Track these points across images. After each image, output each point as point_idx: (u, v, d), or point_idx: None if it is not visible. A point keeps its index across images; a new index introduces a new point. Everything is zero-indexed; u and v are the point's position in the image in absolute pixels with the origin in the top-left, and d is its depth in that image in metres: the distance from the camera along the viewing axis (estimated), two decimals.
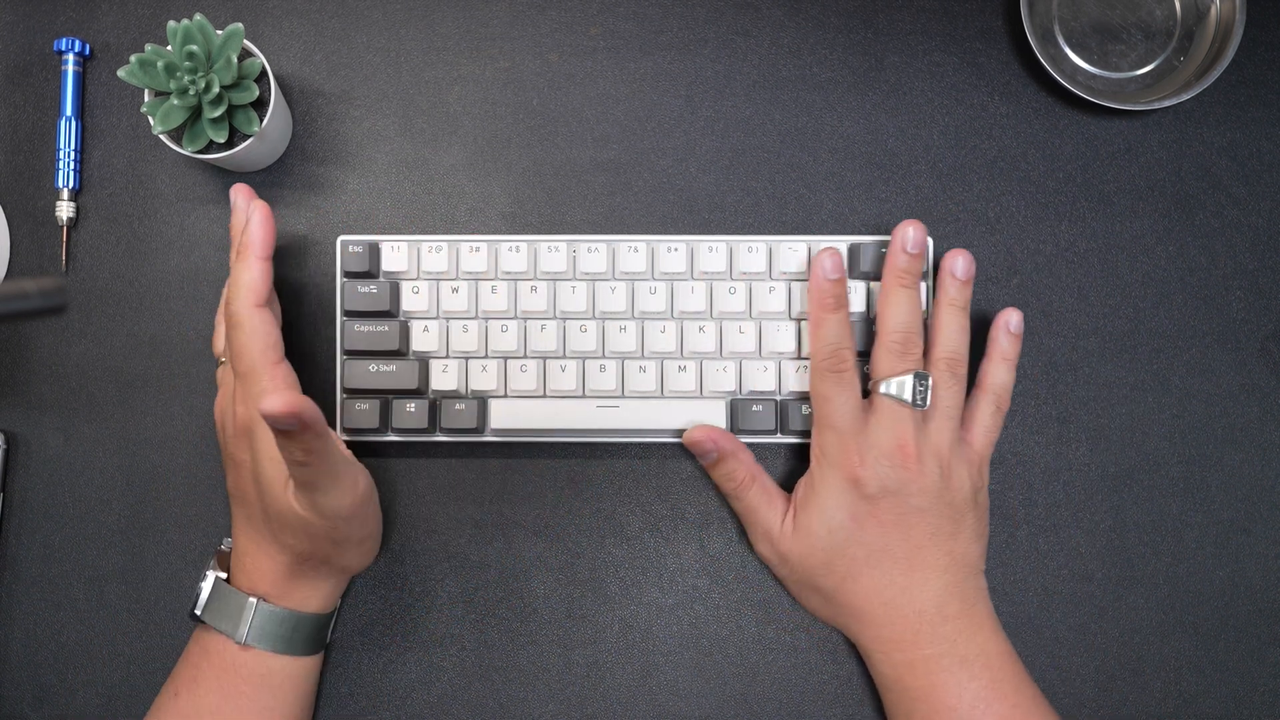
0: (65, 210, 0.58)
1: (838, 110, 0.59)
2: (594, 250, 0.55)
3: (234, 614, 0.50)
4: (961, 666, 0.49)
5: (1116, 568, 0.57)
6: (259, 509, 0.48)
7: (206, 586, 0.51)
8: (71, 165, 0.58)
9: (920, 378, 0.50)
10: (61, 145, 0.58)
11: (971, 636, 0.50)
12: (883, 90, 0.60)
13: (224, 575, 0.51)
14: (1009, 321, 0.53)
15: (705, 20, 0.60)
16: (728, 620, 0.57)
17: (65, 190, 0.58)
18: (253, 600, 0.49)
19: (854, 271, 0.55)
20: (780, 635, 0.57)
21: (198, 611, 0.50)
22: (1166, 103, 0.57)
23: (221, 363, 0.53)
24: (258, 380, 0.47)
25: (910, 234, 0.52)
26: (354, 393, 0.55)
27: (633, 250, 0.55)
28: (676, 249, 0.55)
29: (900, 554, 0.50)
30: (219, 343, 0.54)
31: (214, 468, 0.58)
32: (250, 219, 0.48)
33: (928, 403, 0.50)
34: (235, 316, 0.47)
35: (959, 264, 0.52)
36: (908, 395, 0.49)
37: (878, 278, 0.55)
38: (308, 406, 0.41)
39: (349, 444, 0.58)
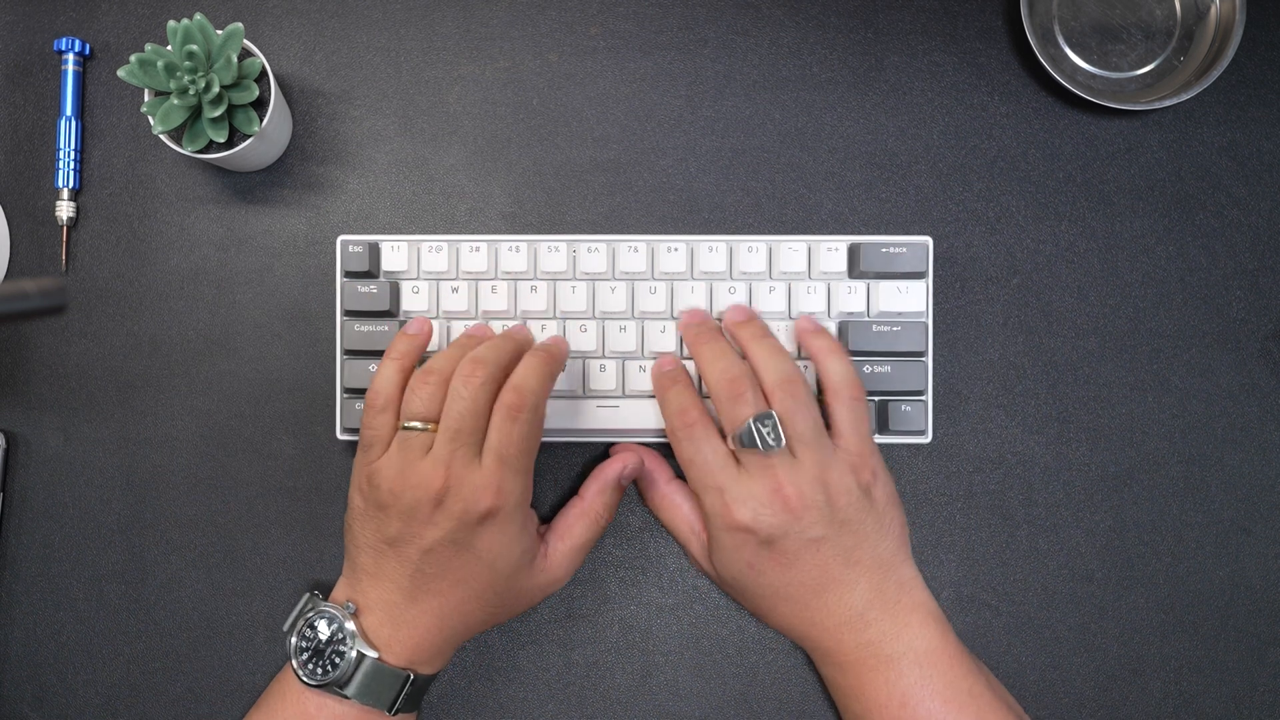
0: (65, 210, 0.58)
1: (838, 110, 0.59)
2: (594, 250, 0.55)
3: (389, 689, 0.48)
4: (887, 665, 0.49)
5: (1116, 568, 0.57)
6: (487, 586, 0.48)
7: (354, 661, 0.47)
8: (71, 165, 0.58)
9: (762, 418, 0.48)
10: (61, 145, 0.58)
11: (897, 635, 0.49)
12: (883, 90, 0.60)
13: (374, 654, 0.48)
14: (804, 326, 0.54)
15: (705, 20, 0.60)
16: (728, 620, 0.57)
17: (65, 190, 0.58)
18: (407, 674, 0.48)
19: (854, 271, 0.55)
20: (780, 635, 0.57)
21: (347, 693, 0.47)
22: (1166, 103, 0.57)
23: (413, 428, 0.48)
24: (525, 478, 0.48)
25: (689, 311, 0.55)
26: (354, 393, 0.55)
27: (633, 250, 0.55)
28: (676, 249, 0.55)
29: (808, 582, 0.49)
30: (424, 405, 0.48)
31: (214, 468, 0.58)
32: (562, 350, 0.52)
33: (781, 440, 0.48)
34: (535, 400, 0.48)
35: (730, 313, 0.54)
36: (758, 441, 0.48)
37: (878, 277, 0.55)
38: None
39: (349, 444, 0.58)
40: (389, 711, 0.48)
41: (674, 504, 0.54)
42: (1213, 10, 0.59)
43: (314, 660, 0.48)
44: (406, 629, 0.48)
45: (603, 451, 0.58)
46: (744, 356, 0.52)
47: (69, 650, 0.57)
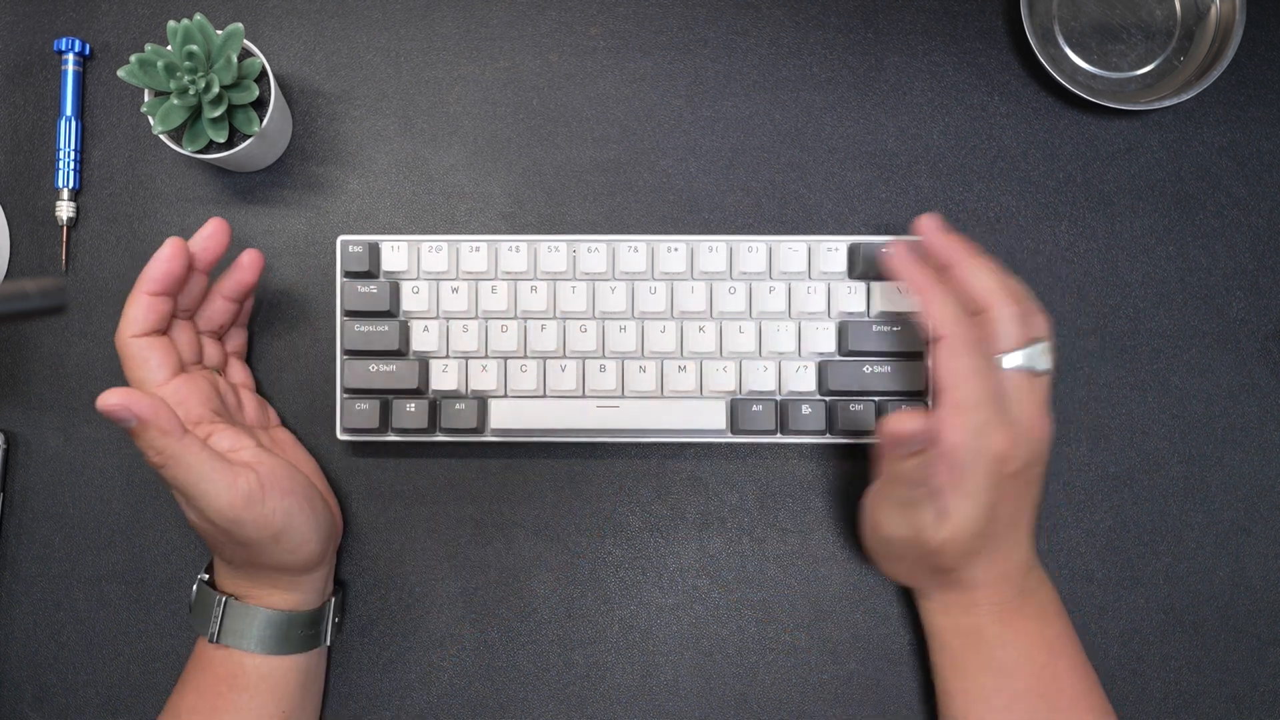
0: (65, 210, 0.58)
1: (838, 110, 0.59)
2: (594, 250, 0.55)
3: (206, 612, 0.51)
4: (1040, 614, 0.51)
5: (1116, 568, 0.57)
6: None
7: (194, 587, 0.53)
8: (71, 165, 0.58)
9: (1043, 344, 0.48)
10: (61, 145, 0.58)
11: (1044, 586, 0.52)
12: (883, 90, 0.60)
13: (206, 577, 0.53)
14: (938, 241, 0.50)
15: (705, 20, 0.60)
16: (728, 620, 0.57)
17: (65, 190, 0.58)
18: (221, 597, 0.51)
19: (854, 271, 0.55)
20: (780, 635, 0.57)
21: (193, 622, 0.52)
22: (1166, 103, 0.57)
23: None
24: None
25: (930, 222, 0.51)
26: (354, 393, 0.55)
27: (633, 250, 0.55)
28: (676, 249, 0.55)
29: (1016, 521, 0.49)
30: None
31: None
32: (158, 254, 0.49)
33: (1052, 368, 0.49)
34: (117, 346, 0.49)
35: (936, 238, 0.51)
36: (1040, 365, 0.48)
37: (878, 278, 0.55)
38: (145, 404, 0.43)
39: (349, 444, 0.58)
40: (212, 640, 0.51)
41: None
42: (1213, 10, 0.59)
43: None
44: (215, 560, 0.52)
45: (592, 451, 0.58)
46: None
47: (69, 650, 0.57)
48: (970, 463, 0.46)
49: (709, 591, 0.57)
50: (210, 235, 0.51)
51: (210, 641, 0.51)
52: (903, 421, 0.46)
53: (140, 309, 0.49)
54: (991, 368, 0.47)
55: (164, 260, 0.49)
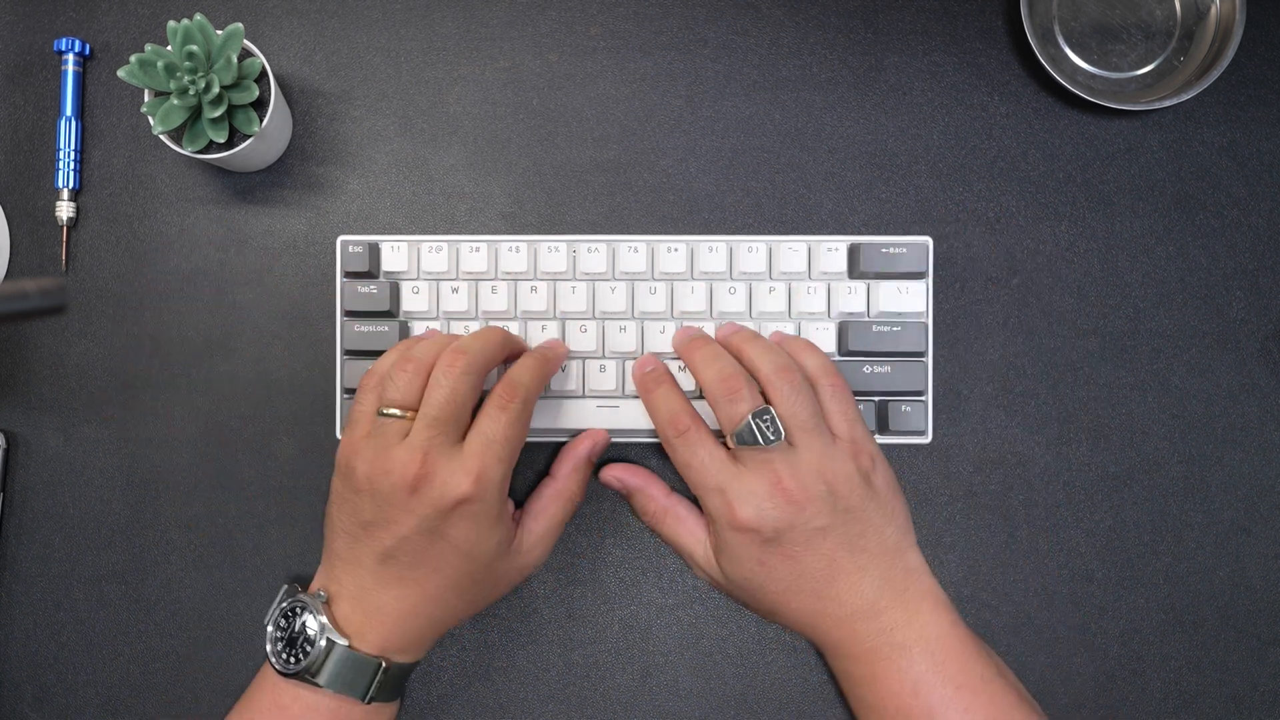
0: (65, 210, 0.58)
1: (838, 110, 0.59)
2: (594, 250, 0.55)
3: (359, 675, 0.48)
4: (900, 653, 0.49)
5: (1116, 568, 0.57)
6: (464, 574, 0.48)
7: (324, 649, 0.47)
8: (71, 165, 0.58)
9: (760, 413, 0.48)
10: (61, 145, 0.58)
11: (908, 623, 0.49)
12: (883, 90, 0.60)
13: (344, 642, 0.48)
14: (752, 335, 0.53)
15: (705, 20, 0.60)
16: (728, 620, 0.57)
17: (65, 190, 0.58)
18: (379, 663, 0.48)
19: (854, 272, 0.55)
20: (780, 635, 0.57)
21: (319, 681, 0.47)
22: (1166, 103, 0.57)
23: (391, 414, 0.48)
24: (500, 465, 0.48)
25: (680, 330, 0.55)
26: (354, 393, 0.55)
27: (633, 250, 0.55)
28: (676, 249, 0.55)
29: (817, 574, 0.49)
30: (400, 392, 0.48)
31: (214, 468, 0.58)
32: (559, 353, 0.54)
33: (780, 433, 0.48)
34: (526, 393, 0.49)
35: (719, 330, 0.55)
36: (759, 437, 0.48)
37: (878, 278, 0.55)
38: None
39: None
40: (363, 700, 0.48)
41: (677, 515, 0.54)
42: (1213, 10, 0.59)
43: (288, 650, 0.48)
44: (378, 617, 0.48)
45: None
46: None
47: (69, 650, 0.57)
48: (718, 537, 0.50)
49: (709, 591, 0.57)
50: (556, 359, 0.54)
51: (363, 701, 0.48)
52: (604, 473, 0.55)
53: (541, 375, 0.51)
54: (705, 454, 0.50)
55: (554, 363, 0.53)
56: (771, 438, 0.48)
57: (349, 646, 0.48)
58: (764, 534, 0.48)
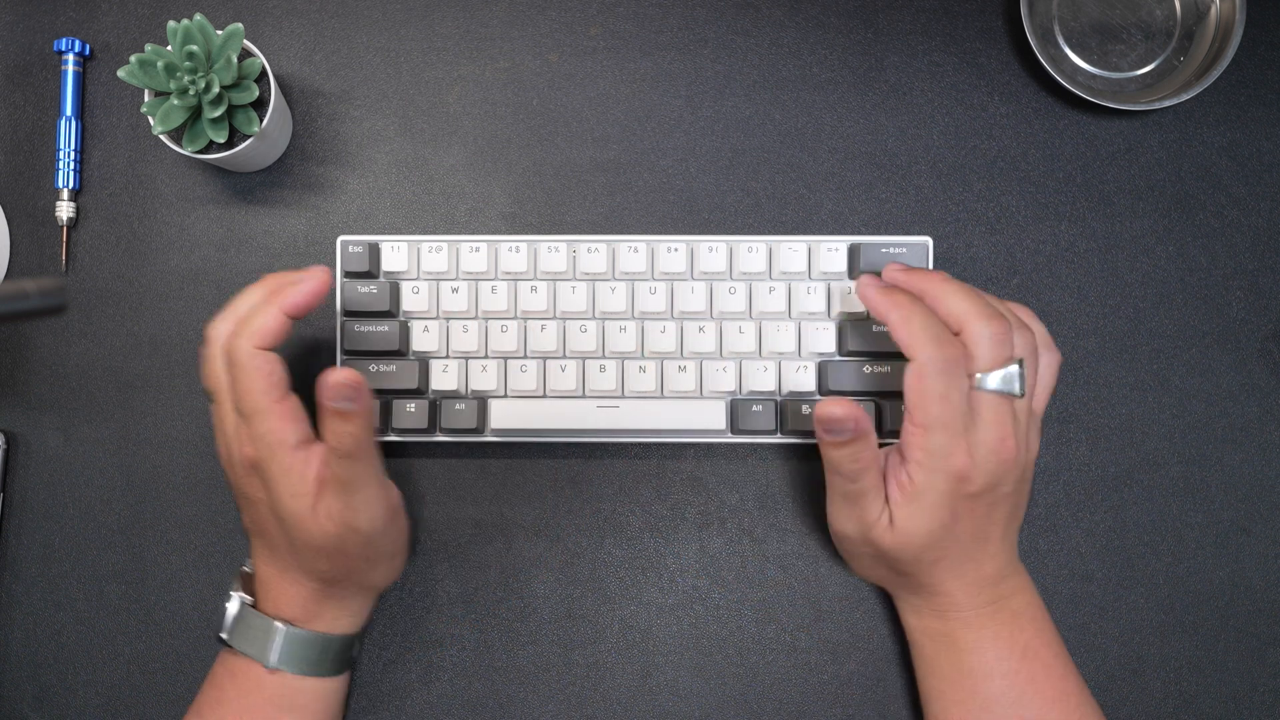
0: (65, 210, 0.58)
1: (838, 110, 0.59)
2: (594, 250, 0.55)
3: (261, 638, 0.49)
4: (1013, 620, 0.50)
5: (1116, 568, 0.57)
6: (283, 541, 0.48)
7: (232, 609, 0.50)
8: (71, 165, 0.58)
9: (1021, 365, 0.47)
10: (61, 145, 0.58)
11: (1021, 591, 0.51)
12: (883, 90, 0.60)
13: (250, 599, 0.51)
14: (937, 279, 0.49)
15: (705, 20, 0.60)
16: (728, 620, 0.57)
17: (65, 190, 0.58)
18: (280, 625, 0.49)
19: (854, 272, 0.55)
20: (780, 635, 0.57)
21: (224, 635, 0.50)
22: (1166, 103, 0.57)
23: (212, 401, 0.49)
24: (264, 420, 0.46)
25: (895, 267, 0.51)
26: None
27: (633, 250, 0.55)
28: (676, 249, 0.55)
29: (984, 535, 0.49)
30: (211, 378, 0.48)
31: (214, 468, 0.58)
32: (303, 279, 0.48)
33: (1027, 391, 0.48)
34: (235, 355, 0.46)
35: (914, 270, 0.51)
36: (1015, 388, 0.47)
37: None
38: (367, 389, 0.45)
39: None
40: (270, 666, 0.49)
41: (892, 464, 0.49)
42: (1213, 10, 0.59)
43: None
44: (271, 583, 0.50)
45: (592, 451, 0.58)
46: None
47: (69, 650, 0.57)
48: (925, 481, 0.47)
49: (709, 591, 0.57)
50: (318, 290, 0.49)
51: (267, 667, 0.49)
52: (831, 406, 0.47)
53: (275, 325, 0.46)
54: (959, 390, 0.46)
55: (319, 289, 0.47)
56: (1020, 392, 0.47)
57: (251, 604, 0.50)
58: (974, 485, 0.47)
